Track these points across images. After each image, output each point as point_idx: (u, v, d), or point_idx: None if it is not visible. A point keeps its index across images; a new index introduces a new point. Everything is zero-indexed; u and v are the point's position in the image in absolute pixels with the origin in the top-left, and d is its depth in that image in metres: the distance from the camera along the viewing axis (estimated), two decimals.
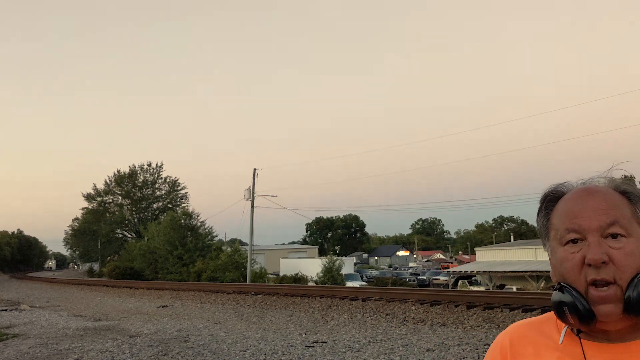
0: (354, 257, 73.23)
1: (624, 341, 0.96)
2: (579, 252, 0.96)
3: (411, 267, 77.98)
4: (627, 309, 0.91)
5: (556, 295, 0.98)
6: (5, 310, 20.08)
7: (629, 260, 0.93)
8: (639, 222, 0.98)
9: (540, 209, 1.08)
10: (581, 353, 0.97)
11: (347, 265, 43.28)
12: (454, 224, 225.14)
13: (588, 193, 1.00)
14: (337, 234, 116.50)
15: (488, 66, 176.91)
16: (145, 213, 73.59)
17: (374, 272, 58.16)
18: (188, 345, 10.38)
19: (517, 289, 30.82)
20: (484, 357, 1.14)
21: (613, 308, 0.92)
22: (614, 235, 0.95)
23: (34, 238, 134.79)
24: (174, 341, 10.95)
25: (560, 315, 0.97)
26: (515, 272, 33.19)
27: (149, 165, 73.92)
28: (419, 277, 49.70)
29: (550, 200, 1.06)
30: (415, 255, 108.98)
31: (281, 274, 43.48)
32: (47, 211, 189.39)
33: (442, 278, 45.67)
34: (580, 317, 0.94)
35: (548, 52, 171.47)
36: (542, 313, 1.20)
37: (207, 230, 50.93)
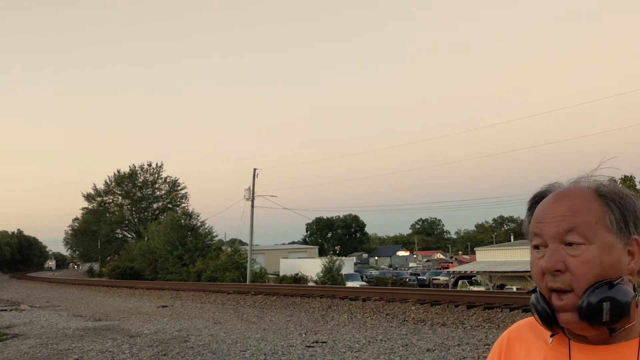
0: (354, 257, 73.16)
1: (608, 344, 0.95)
2: (541, 258, 0.97)
3: (411, 267, 77.97)
4: (580, 317, 0.91)
5: (531, 298, 1.00)
6: (5, 310, 20.07)
7: (585, 268, 0.92)
8: (607, 227, 0.95)
9: (527, 209, 1.08)
10: (568, 354, 0.98)
11: (347, 265, 43.27)
12: (454, 224, 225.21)
13: (556, 198, 0.99)
14: (337, 234, 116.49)
15: (488, 66, 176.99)
16: (145, 213, 73.60)
17: (374, 272, 58.12)
18: (188, 345, 10.37)
19: (517, 289, 30.85)
20: (484, 357, 1.17)
21: (571, 316, 0.93)
22: (573, 243, 0.95)
23: (34, 238, 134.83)
24: (174, 341, 10.95)
25: (534, 317, 1.00)
26: (515, 272, 33.19)
27: (149, 165, 74.03)
28: (419, 277, 49.68)
29: (537, 201, 1.06)
30: (415, 255, 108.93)
31: (281, 274, 43.46)
32: (47, 211, 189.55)
33: (442, 278, 45.65)
34: (543, 321, 0.96)
35: (548, 52, 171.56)
36: None
37: (207, 230, 50.94)
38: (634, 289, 0.93)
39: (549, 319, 0.95)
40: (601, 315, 0.90)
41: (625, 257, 0.94)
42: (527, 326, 1.11)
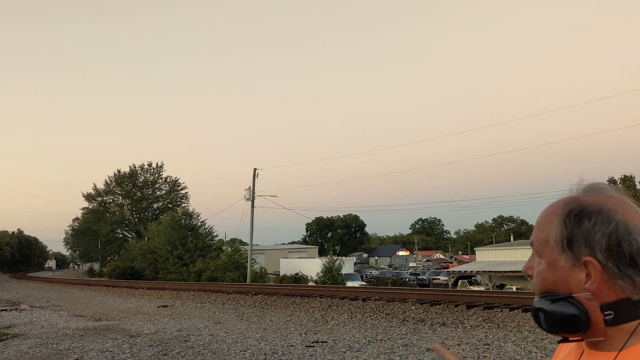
0: (354, 257, 73.20)
1: (599, 350, 0.97)
2: None
3: (411, 267, 78.02)
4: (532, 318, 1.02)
5: None
6: (5, 310, 20.08)
7: (537, 279, 1.03)
8: (553, 246, 0.98)
9: None
10: (581, 353, 1.03)
11: (347, 265, 43.25)
12: (454, 224, 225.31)
13: (543, 209, 1.06)
14: (337, 234, 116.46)
15: (488, 67, 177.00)
16: (146, 213, 73.59)
17: (374, 272, 58.15)
18: (188, 345, 10.38)
19: (517, 289, 30.84)
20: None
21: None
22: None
23: (34, 238, 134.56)
24: (174, 341, 10.96)
25: None
26: (515, 272, 33.18)
27: (149, 165, 74.03)
28: (419, 277, 49.72)
29: None
30: (415, 255, 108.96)
31: (281, 274, 43.46)
32: (47, 211, 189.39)
33: (442, 278, 45.69)
34: None
35: (548, 52, 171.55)
36: None
37: (207, 230, 50.92)
38: (604, 308, 0.93)
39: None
40: (540, 323, 1.00)
41: (577, 276, 0.96)
42: None
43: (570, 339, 0.99)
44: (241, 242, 50.16)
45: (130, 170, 73.76)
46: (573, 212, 0.97)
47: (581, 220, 0.95)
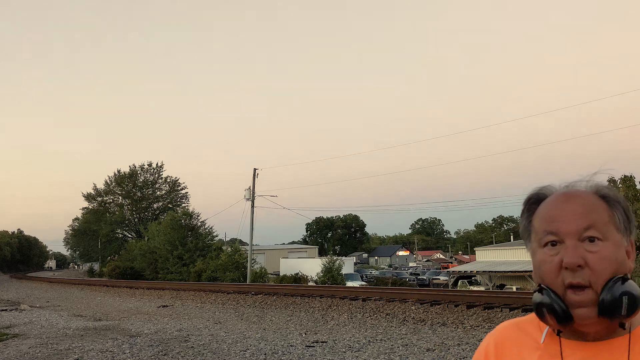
0: (354, 257, 73.16)
1: (599, 340, 0.98)
2: (557, 255, 0.98)
3: (411, 267, 77.99)
4: (601, 311, 0.93)
5: (536, 297, 1.00)
6: (5, 310, 20.08)
7: (603, 264, 0.95)
8: (616, 226, 1.00)
9: (523, 211, 1.10)
10: (559, 351, 1.01)
11: (347, 265, 43.23)
12: (454, 224, 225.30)
13: (567, 197, 1.02)
14: (337, 234, 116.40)
15: (487, 66, 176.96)
16: (146, 213, 73.62)
17: (374, 272, 58.12)
18: (188, 345, 10.38)
19: (517, 289, 30.85)
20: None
21: (589, 311, 0.94)
22: (591, 239, 0.97)
23: (34, 238, 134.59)
24: (174, 341, 10.95)
25: (541, 316, 1.00)
26: (515, 272, 33.19)
27: (149, 165, 74.09)
28: (419, 277, 49.70)
29: (533, 202, 1.08)
30: (415, 255, 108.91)
31: (281, 274, 43.44)
32: (47, 211, 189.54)
33: (442, 278, 45.69)
34: (558, 319, 0.96)
35: (548, 51, 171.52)
36: None
37: (207, 230, 50.92)
38: None
39: (565, 316, 0.95)
40: (621, 309, 0.92)
41: (625, 255, 1.01)
42: (513, 327, 1.11)
43: (626, 322, 0.97)
44: (241, 242, 50.18)
45: (130, 170, 73.86)
46: (614, 198, 1.02)
47: (624, 203, 1.03)
